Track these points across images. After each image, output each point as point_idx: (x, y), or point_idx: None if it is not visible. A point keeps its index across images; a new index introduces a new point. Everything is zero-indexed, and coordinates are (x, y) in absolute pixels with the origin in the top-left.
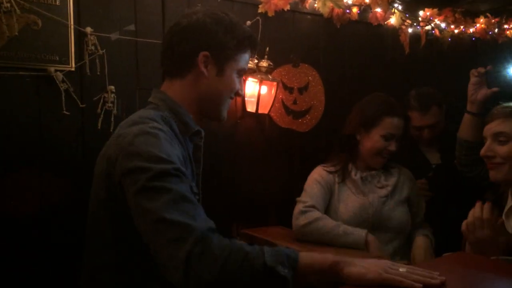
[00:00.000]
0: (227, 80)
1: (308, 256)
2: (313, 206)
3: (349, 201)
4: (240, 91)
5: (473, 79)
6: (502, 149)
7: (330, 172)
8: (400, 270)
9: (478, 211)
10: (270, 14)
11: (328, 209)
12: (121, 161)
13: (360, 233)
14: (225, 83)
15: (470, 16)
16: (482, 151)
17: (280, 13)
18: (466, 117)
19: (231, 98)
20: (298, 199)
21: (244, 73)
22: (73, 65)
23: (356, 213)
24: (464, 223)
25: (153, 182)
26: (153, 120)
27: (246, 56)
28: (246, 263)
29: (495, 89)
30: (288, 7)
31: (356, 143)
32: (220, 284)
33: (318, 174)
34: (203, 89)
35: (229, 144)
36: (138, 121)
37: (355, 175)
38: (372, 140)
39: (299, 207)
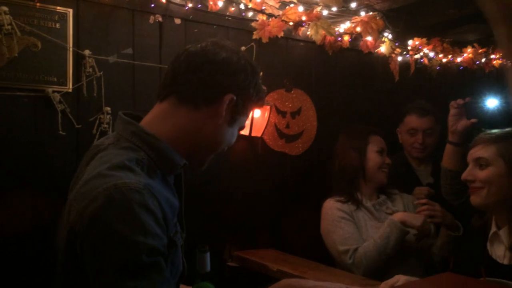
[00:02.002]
0: (232, 132)
1: None
2: (355, 250)
3: (369, 226)
4: (231, 144)
5: (452, 111)
6: (481, 174)
7: (343, 202)
8: None
9: None
10: (264, 40)
11: None
12: (84, 238)
13: (390, 221)
14: (230, 134)
15: (458, 46)
16: (463, 175)
17: (274, 39)
18: (448, 147)
19: (223, 150)
20: (338, 249)
21: (242, 129)
22: (71, 86)
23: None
24: None
25: (118, 284)
26: (128, 170)
27: (253, 109)
28: None
29: (473, 120)
30: (281, 34)
31: (356, 175)
32: None
33: (336, 209)
34: (209, 130)
35: (222, 166)
36: (106, 174)
37: (366, 202)
38: (371, 159)
39: (345, 260)
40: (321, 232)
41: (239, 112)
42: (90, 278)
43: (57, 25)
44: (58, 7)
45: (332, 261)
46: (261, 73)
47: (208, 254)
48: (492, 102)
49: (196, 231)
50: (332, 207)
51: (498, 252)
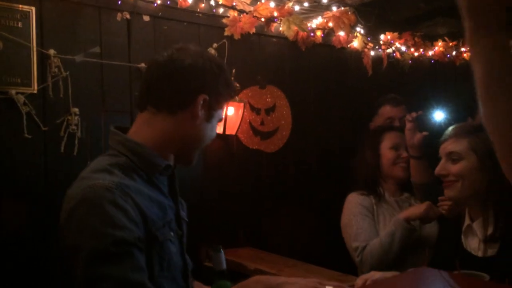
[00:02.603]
0: (212, 126)
1: None
2: (363, 247)
3: (389, 222)
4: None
5: (407, 125)
6: (454, 168)
7: (366, 195)
8: None
9: None
10: (236, 37)
11: None
12: (63, 231)
13: (395, 220)
14: (210, 129)
15: (429, 40)
16: (436, 170)
17: (246, 36)
18: (412, 161)
19: (207, 143)
20: (352, 245)
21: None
22: (36, 87)
23: None
24: None
25: (91, 269)
26: (106, 172)
27: (226, 103)
28: None
29: (425, 133)
30: (253, 30)
31: (373, 173)
32: None
33: (356, 203)
34: (189, 130)
35: (196, 165)
36: (87, 176)
37: (389, 197)
38: (384, 155)
39: (354, 257)
40: (340, 226)
41: (214, 108)
42: (69, 268)
43: (20, 24)
44: (20, 5)
45: (308, 257)
46: (233, 70)
47: (222, 253)
48: (439, 115)
49: None
50: (352, 201)
51: (472, 244)
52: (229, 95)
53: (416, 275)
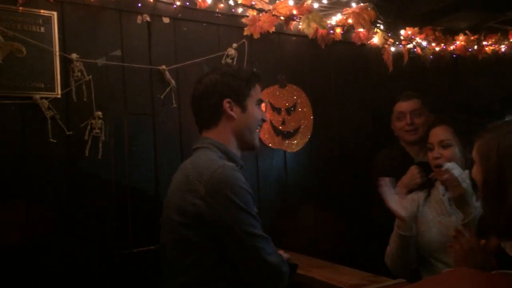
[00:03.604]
0: (251, 112)
1: None
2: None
3: (432, 221)
4: (264, 118)
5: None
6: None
7: (418, 190)
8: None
9: (465, 243)
10: (256, 36)
11: None
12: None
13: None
14: (251, 115)
15: (450, 34)
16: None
17: (265, 35)
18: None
19: (260, 126)
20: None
21: (262, 101)
22: (59, 92)
23: (440, 233)
24: (454, 254)
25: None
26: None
27: (257, 88)
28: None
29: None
30: (273, 29)
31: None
32: None
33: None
34: (236, 127)
35: None
36: (213, 159)
37: (443, 195)
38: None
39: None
40: None
41: (241, 101)
42: (216, 227)
43: (42, 29)
44: (42, 11)
45: (335, 258)
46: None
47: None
48: None
49: None
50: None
51: (509, 244)
52: (250, 84)
53: (452, 277)
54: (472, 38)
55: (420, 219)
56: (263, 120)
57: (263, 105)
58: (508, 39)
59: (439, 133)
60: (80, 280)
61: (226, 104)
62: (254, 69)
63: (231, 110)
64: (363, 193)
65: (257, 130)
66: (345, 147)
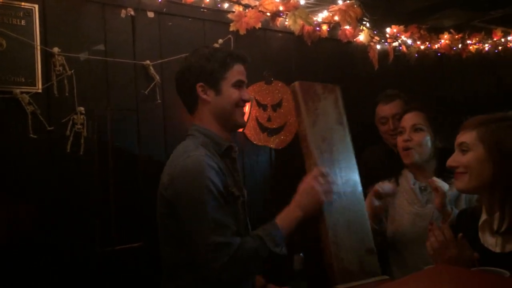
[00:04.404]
0: (226, 94)
1: (285, 221)
2: None
3: (405, 212)
4: (243, 98)
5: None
6: (463, 159)
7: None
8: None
9: (439, 234)
10: (242, 32)
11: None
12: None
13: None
14: (226, 98)
15: (435, 32)
16: (448, 162)
17: (251, 31)
18: None
19: (240, 106)
20: None
21: (242, 83)
22: (40, 86)
23: (413, 224)
24: (429, 247)
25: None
26: (196, 147)
27: (235, 69)
28: (258, 259)
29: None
30: (259, 25)
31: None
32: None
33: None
34: (213, 110)
35: None
36: (182, 153)
37: (413, 184)
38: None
39: None
40: None
41: (215, 84)
42: (178, 211)
43: (23, 22)
44: (23, 3)
45: None
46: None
47: (301, 255)
48: None
49: None
50: None
51: (489, 240)
52: (226, 66)
53: (433, 274)
54: (456, 36)
55: (391, 211)
56: (244, 101)
57: (246, 88)
58: (492, 38)
59: (412, 118)
60: (63, 278)
61: (199, 88)
62: (234, 50)
63: (205, 94)
64: None
65: (239, 109)
66: None
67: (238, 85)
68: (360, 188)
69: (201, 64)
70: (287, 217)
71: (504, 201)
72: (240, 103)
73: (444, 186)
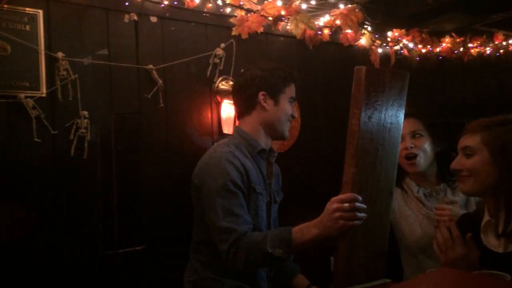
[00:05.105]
0: (283, 107)
1: (299, 232)
2: None
3: (416, 219)
4: (294, 114)
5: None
6: (467, 162)
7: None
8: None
9: (445, 232)
10: (244, 36)
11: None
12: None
13: None
14: (281, 110)
15: (436, 36)
16: (452, 165)
17: (253, 35)
18: None
19: (289, 120)
20: None
21: (294, 100)
22: (44, 91)
23: (426, 228)
24: (435, 245)
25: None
26: (225, 146)
27: (292, 87)
28: (258, 251)
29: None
30: (261, 30)
31: None
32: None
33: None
34: (267, 117)
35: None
36: (214, 149)
37: (418, 191)
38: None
39: None
40: None
41: (275, 94)
42: (201, 196)
43: (27, 27)
44: (27, 8)
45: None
46: (241, 70)
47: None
48: None
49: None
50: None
51: (492, 241)
52: (286, 82)
53: (434, 277)
54: (458, 40)
55: (402, 217)
56: (293, 116)
57: (295, 104)
58: (493, 41)
59: (410, 125)
60: (66, 281)
61: (261, 96)
62: (292, 70)
63: (265, 102)
64: None
65: (288, 123)
66: (333, 148)
67: (291, 101)
68: (392, 190)
69: (266, 76)
70: (304, 229)
71: (509, 203)
72: (290, 118)
73: (455, 212)
